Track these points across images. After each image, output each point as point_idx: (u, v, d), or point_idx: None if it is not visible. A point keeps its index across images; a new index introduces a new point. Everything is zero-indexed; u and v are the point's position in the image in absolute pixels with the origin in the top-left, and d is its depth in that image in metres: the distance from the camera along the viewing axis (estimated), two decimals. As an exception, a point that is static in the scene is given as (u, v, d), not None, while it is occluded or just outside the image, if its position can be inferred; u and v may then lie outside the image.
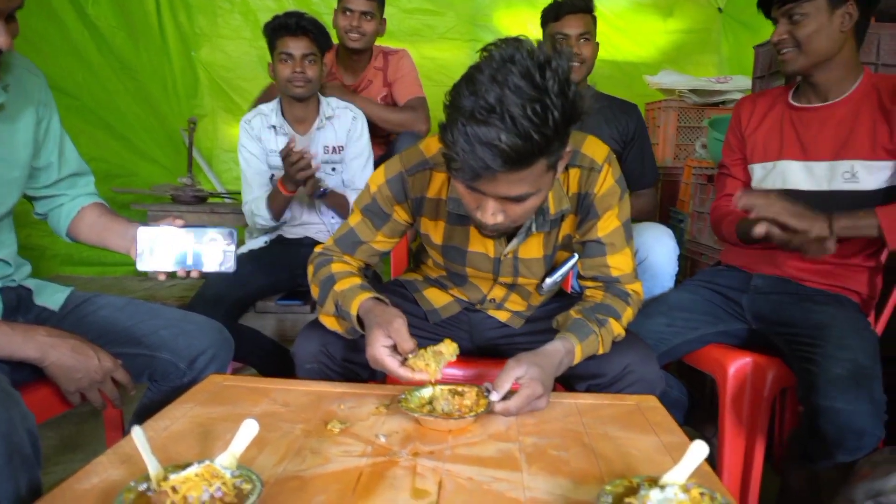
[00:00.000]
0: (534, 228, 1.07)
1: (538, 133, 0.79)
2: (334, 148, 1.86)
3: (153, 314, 1.16)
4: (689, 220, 2.18)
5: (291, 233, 1.94)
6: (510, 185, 0.85)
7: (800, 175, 1.38)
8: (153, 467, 0.69)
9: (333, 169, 1.87)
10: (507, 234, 1.07)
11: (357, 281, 1.06)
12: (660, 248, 1.67)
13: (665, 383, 1.12)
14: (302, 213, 1.91)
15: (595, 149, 1.07)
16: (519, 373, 0.93)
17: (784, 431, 1.52)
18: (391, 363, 0.93)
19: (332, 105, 1.85)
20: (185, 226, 1.09)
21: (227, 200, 2.66)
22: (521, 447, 0.84)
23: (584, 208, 1.09)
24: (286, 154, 1.62)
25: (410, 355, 0.94)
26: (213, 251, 1.09)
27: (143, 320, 1.14)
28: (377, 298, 1.01)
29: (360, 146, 1.86)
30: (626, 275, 1.11)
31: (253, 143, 1.83)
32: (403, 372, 0.93)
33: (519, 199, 0.88)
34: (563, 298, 1.31)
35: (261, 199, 1.80)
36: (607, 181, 1.07)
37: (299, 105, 1.80)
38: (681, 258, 2.05)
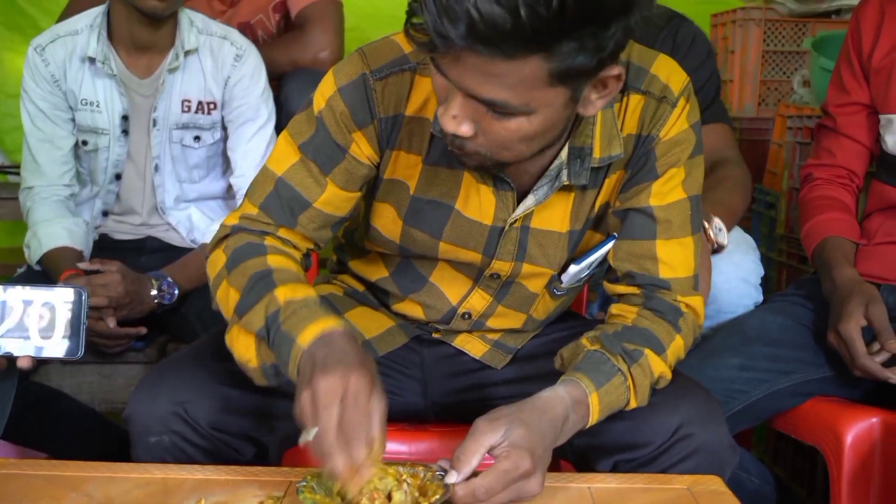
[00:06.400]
0: (564, 177, 1.10)
1: (529, 11, 0.82)
2: (200, 105, 1.85)
3: None
4: (782, 202, 2.23)
5: (123, 231, 1.93)
6: (479, 75, 0.89)
7: None
8: None
9: (197, 138, 1.87)
10: (494, 168, 1.08)
11: (311, 292, 1.07)
12: (731, 270, 1.63)
13: (738, 460, 1.15)
14: (138, 204, 1.90)
15: (671, 71, 1.13)
16: (493, 438, 0.95)
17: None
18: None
19: (197, 28, 1.83)
20: None
21: (12, 179, 2.64)
22: (498, 557, 0.87)
23: (640, 159, 1.14)
24: None
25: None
26: (51, 324, 1.13)
27: None
28: (349, 334, 1.02)
29: (250, 105, 1.86)
30: (680, 279, 1.16)
31: (44, 89, 1.81)
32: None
33: (495, 108, 0.92)
34: (574, 323, 1.35)
35: (49, 222, 1.78)
36: (680, 123, 1.13)
37: (148, 27, 1.77)
38: (769, 268, 2.06)
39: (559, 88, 0.92)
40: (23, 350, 1.15)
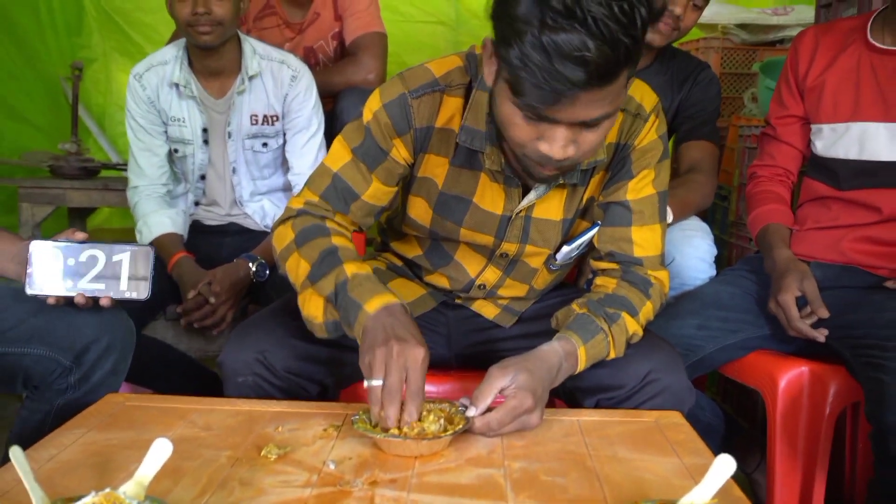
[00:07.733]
0: (561, 178, 1.12)
1: (627, 37, 0.85)
2: (266, 118, 1.85)
3: (16, 298, 1.17)
4: (733, 195, 2.23)
5: (211, 218, 1.97)
6: (589, 105, 0.90)
7: (883, 142, 1.45)
8: (38, 499, 0.73)
9: (265, 144, 1.87)
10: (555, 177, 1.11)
11: (370, 270, 1.10)
12: (691, 251, 1.69)
13: (695, 399, 1.19)
14: (221, 198, 1.93)
15: (644, 93, 1.16)
16: (503, 382, 1.00)
17: (859, 464, 1.60)
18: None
19: (259, 55, 1.82)
20: (87, 241, 1.16)
21: (125, 174, 2.65)
22: (507, 473, 0.90)
23: (619, 162, 1.17)
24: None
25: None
26: (124, 273, 1.17)
27: (1, 308, 1.16)
28: (405, 307, 1.05)
29: (304, 117, 1.85)
30: (650, 257, 1.19)
31: (143, 109, 1.82)
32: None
33: (594, 124, 0.94)
34: (567, 291, 1.39)
35: (155, 213, 1.82)
36: (650, 134, 1.15)
37: (211, 55, 1.78)
38: (722, 247, 2.08)
39: (627, 85, 0.95)
40: (104, 292, 1.18)
